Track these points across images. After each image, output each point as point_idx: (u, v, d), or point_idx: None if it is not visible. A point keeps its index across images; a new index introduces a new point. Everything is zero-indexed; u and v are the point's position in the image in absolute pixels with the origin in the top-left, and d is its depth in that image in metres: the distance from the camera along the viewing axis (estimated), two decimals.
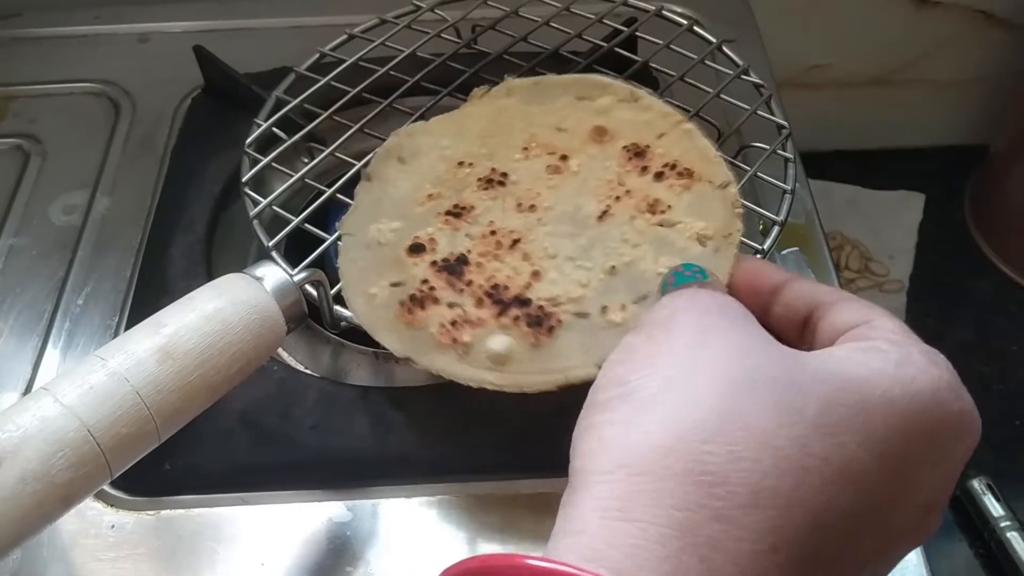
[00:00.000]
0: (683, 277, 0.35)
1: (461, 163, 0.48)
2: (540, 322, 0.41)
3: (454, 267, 0.44)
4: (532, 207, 0.46)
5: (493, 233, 0.45)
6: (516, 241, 0.44)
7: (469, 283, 0.43)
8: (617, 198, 0.45)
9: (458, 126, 0.50)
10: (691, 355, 0.29)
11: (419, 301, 0.42)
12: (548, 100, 0.50)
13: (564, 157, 0.47)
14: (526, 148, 0.48)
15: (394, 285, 0.44)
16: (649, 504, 0.26)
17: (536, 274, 0.43)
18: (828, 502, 0.26)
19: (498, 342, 0.41)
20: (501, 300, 0.42)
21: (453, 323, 0.42)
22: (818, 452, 0.27)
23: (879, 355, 0.29)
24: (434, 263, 0.44)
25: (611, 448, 0.27)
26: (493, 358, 0.41)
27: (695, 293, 0.33)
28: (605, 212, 0.44)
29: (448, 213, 0.46)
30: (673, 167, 0.45)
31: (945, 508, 0.30)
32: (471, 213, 0.46)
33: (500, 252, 0.44)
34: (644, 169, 0.45)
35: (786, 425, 0.27)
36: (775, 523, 0.26)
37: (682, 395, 0.28)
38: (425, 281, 0.43)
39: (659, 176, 0.45)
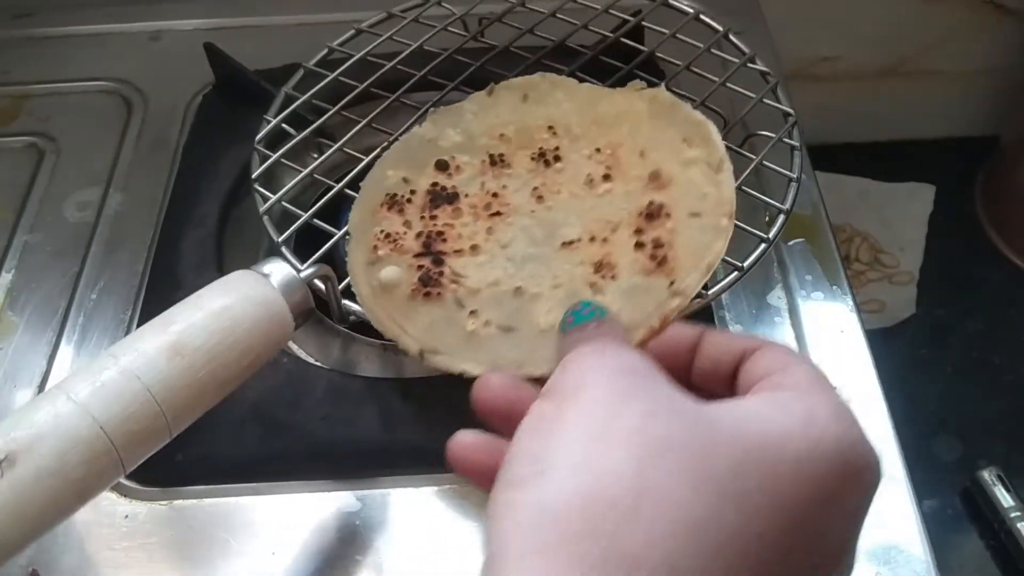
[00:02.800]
0: (581, 316, 0.34)
1: (551, 127, 0.49)
2: (428, 281, 0.43)
3: (440, 196, 0.46)
4: (541, 198, 0.46)
5: (495, 195, 0.46)
6: (497, 214, 0.45)
7: (434, 217, 0.46)
8: (592, 239, 0.44)
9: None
10: (602, 427, 0.28)
11: (398, 204, 0.46)
12: (664, 118, 0.48)
13: (608, 177, 0.46)
14: (599, 150, 0.47)
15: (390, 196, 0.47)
16: None
17: (475, 248, 0.44)
18: (743, 567, 0.26)
19: (386, 272, 0.44)
20: (428, 244, 0.45)
21: (388, 236, 0.45)
22: (732, 521, 0.26)
23: (786, 411, 0.29)
24: (435, 184, 0.47)
25: (525, 532, 0.26)
26: (380, 286, 0.44)
27: (601, 354, 0.31)
28: (573, 244, 0.44)
29: (491, 156, 0.48)
30: (658, 246, 0.42)
31: (854, 556, 0.30)
32: (505, 168, 0.47)
33: (479, 212, 0.46)
34: (638, 231, 0.43)
35: (702, 496, 0.26)
36: None
37: (594, 472, 0.26)
38: (413, 192, 0.47)
39: (639, 246, 0.42)
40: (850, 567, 0.30)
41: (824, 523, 0.28)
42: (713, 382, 0.34)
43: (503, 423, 0.32)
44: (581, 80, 0.52)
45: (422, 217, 0.46)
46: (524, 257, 0.44)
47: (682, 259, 0.41)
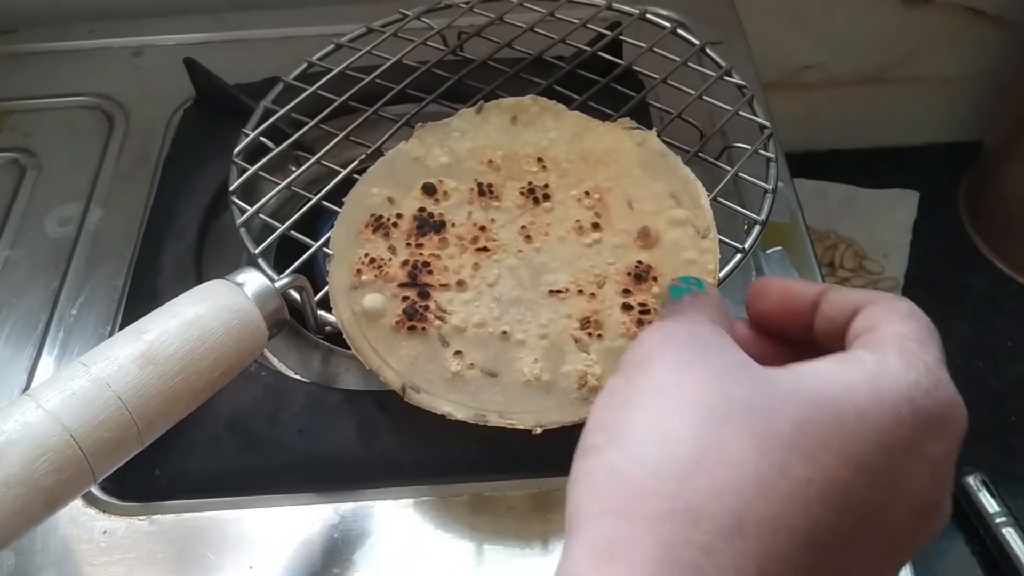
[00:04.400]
0: (679, 290, 0.36)
1: (540, 159, 0.49)
2: (414, 315, 0.44)
3: (427, 223, 0.46)
4: (529, 238, 0.46)
5: (483, 229, 0.46)
6: (484, 249, 0.45)
7: (420, 245, 0.46)
8: (580, 291, 0.44)
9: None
10: (668, 395, 0.30)
11: (383, 227, 0.46)
12: (653, 169, 0.48)
13: (597, 226, 0.46)
14: (588, 194, 0.47)
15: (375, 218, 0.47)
16: (635, 544, 0.26)
17: (461, 284, 0.44)
18: (815, 522, 0.27)
19: (370, 299, 0.44)
20: (414, 275, 0.45)
21: (372, 261, 0.45)
22: (799, 475, 0.27)
23: (856, 367, 0.30)
24: (422, 209, 0.47)
25: (599, 493, 0.28)
26: (365, 313, 0.44)
27: (671, 326, 0.33)
28: (560, 293, 0.44)
29: (480, 187, 0.47)
30: (644, 311, 0.43)
31: (947, 505, 0.31)
32: (494, 200, 0.47)
33: (465, 244, 0.46)
34: (626, 292, 0.43)
35: (765, 451, 0.27)
36: (761, 549, 0.26)
37: (661, 435, 0.28)
38: (400, 216, 0.46)
39: (627, 308, 0.43)
40: (945, 516, 0.31)
41: (904, 472, 0.29)
42: (831, 340, 0.34)
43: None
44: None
45: (408, 244, 0.46)
46: (510, 299, 0.44)
47: None
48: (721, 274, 0.46)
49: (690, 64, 0.58)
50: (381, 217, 0.47)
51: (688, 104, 0.55)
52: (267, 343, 0.42)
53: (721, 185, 0.50)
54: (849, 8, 0.90)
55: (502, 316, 0.44)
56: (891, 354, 0.30)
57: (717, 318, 0.35)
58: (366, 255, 0.45)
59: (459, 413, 0.42)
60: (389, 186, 0.48)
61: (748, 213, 0.50)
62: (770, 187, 0.52)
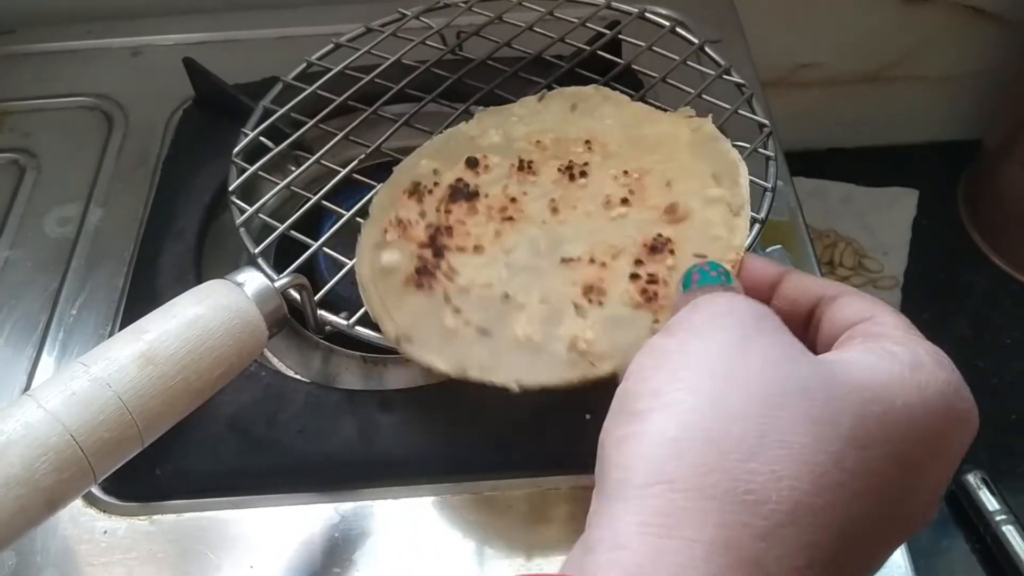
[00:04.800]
0: (708, 276, 0.35)
1: (588, 141, 0.49)
2: (424, 272, 0.44)
3: (460, 191, 0.47)
4: (556, 211, 0.46)
5: (514, 200, 0.46)
6: (510, 219, 0.45)
7: (448, 211, 0.46)
8: (592, 260, 0.43)
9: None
10: (727, 367, 0.29)
11: (419, 192, 0.47)
12: (700, 150, 0.48)
13: (626, 201, 0.45)
14: (626, 173, 0.47)
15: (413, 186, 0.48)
16: (693, 522, 0.26)
17: (478, 248, 0.44)
18: (854, 514, 0.27)
19: (387, 255, 0.45)
20: (434, 237, 0.45)
21: (400, 222, 0.46)
22: (850, 466, 0.27)
23: (892, 359, 0.30)
24: (460, 179, 0.47)
25: (650, 462, 0.27)
26: (381, 269, 0.45)
27: (732, 299, 0.32)
28: (572, 261, 0.43)
29: (521, 162, 0.48)
30: (652, 281, 0.41)
31: (939, 497, 0.31)
32: (531, 175, 0.47)
33: (493, 213, 0.46)
34: (638, 263, 0.42)
35: (823, 439, 0.27)
36: (811, 539, 0.26)
37: (722, 409, 0.28)
38: (437, 184, 0.47)
39: (635, 278, 0.42)
40: (932, 515, 0.31)
41: (928, 467, 0.29)
42: (788, 322, 0.34)
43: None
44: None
45: (437, 209, 0.46)
46: (522, 267, 0.44)
47: (672, 299, 0.40)
48: None
49: (689, 63, 0.58)
50: (419, 184, 0.48)
51: (688, 103, 0.55)
52: (267, 343, 0.42)
53: None
54: (848, 7, 0.90)
55: (509, 280, 0.43)
56: (919, 349, 0.30)
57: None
58: (395, 216, 0.46)
59: (443, 365, 0.41)
60: (439, 159, 0.49)
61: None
62: (769, 185, 0.51)
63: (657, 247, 0.42)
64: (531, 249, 0.44)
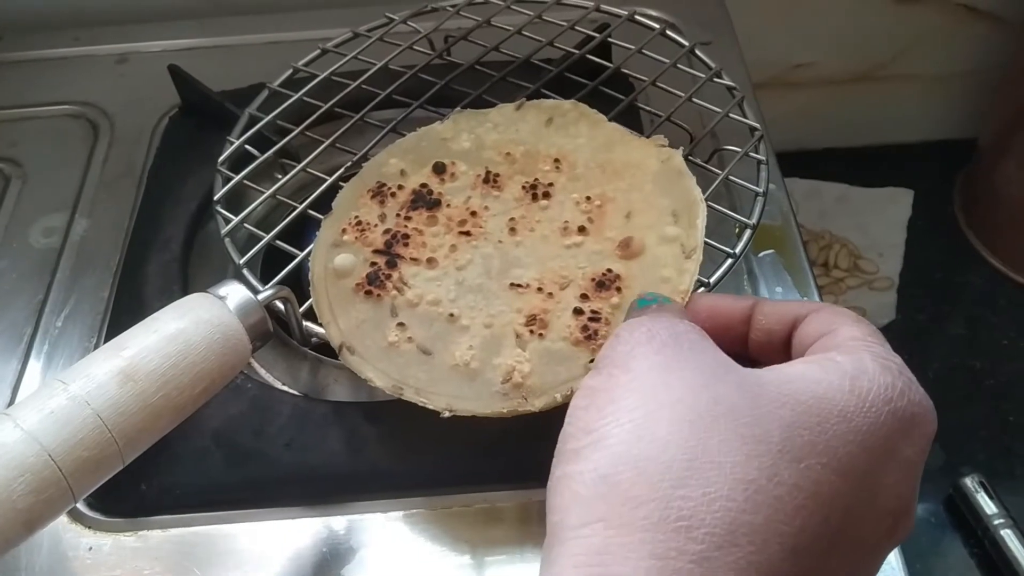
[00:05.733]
0: (644, 301, 0.36)
1: (557, 160, 0.48)
2: (375, 280, 0.44)
3: (422, 198, 0.47)
4: (514, 231, 0.46)
5: (474, 214, 0.46)
6: (467, 234, 0.45)
7: (408, 218, 0.46)
8: (540, 289, 0.43)
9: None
10: (653, 394, 0.29)
11: (382, 195, 0.47)
12: (664, 185, 0.47)
13: (583, 230, 0.45)
14: (589, 199, 0.46)
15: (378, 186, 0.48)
16: (628, 557, 0.26)
17: (431, 261, 0.45)
18: (801, 528, 0.27)
19: (341, 258, 0.45)
20: (390, 244, 0.45)
21: (358, 224, 0.46)
22: (787, 479, 0.27)
23: (833, 368, 0.30)
24: (424, 185, 0.47)
25: (584, 501, 0.27)
26: (334, 270, 0.45)
27: (652, 324, 0.32)
28: (522, 288, 0.43)
29: (487, 175, 0.48)
30: (594, 319, 0.41)
31: (914, 510, 0.30)
32: (496, 190, 0.47)
33: (452, 225, 0.46)
34: (584, 297, 0.42)
35: (754, 456, 0.27)
36: (753, 558, 0.26)
37: (648, 438, 0.27)
38: (401, 187, 0.47)
39: (578, 313, 0.41)
40: (912, 522, 0.30)
41: (881, 475, 0.29)
42: (769, 352, 0.34)
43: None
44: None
45: (398, 214, 0.47)
46: (472, 286, 0.44)
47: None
48: (712, 279, 0.46)
49: (680, 66, 0.57)
50: (384, 185, 0.48)
51: (678, 106, 0.54)
52: (251, 357, 0.41)
53: (712, 188, 0.50)
54: (842, 6, 0.90)
55: (457, 299, 0.43)
56: (864, 356, 0.30)
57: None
58: (355, 217, 0.46)
59: (379, 381, 0.42)
60: (408, 159, 0.49)
61: (739, 217, 0.49)
62: (761, 190, 0.51)
63: (605, 283, 0.43)
64: (483, 268, 0.44)
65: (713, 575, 0.25)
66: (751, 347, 0.35)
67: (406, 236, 0.45)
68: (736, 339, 0.35)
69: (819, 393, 0.29)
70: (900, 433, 0.29)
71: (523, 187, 0.47)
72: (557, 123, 0.50)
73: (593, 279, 0.43)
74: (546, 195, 0.47)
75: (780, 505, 0.26)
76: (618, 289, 0.42)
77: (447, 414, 0.41)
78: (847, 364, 0.30)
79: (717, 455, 0.27)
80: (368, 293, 0.44)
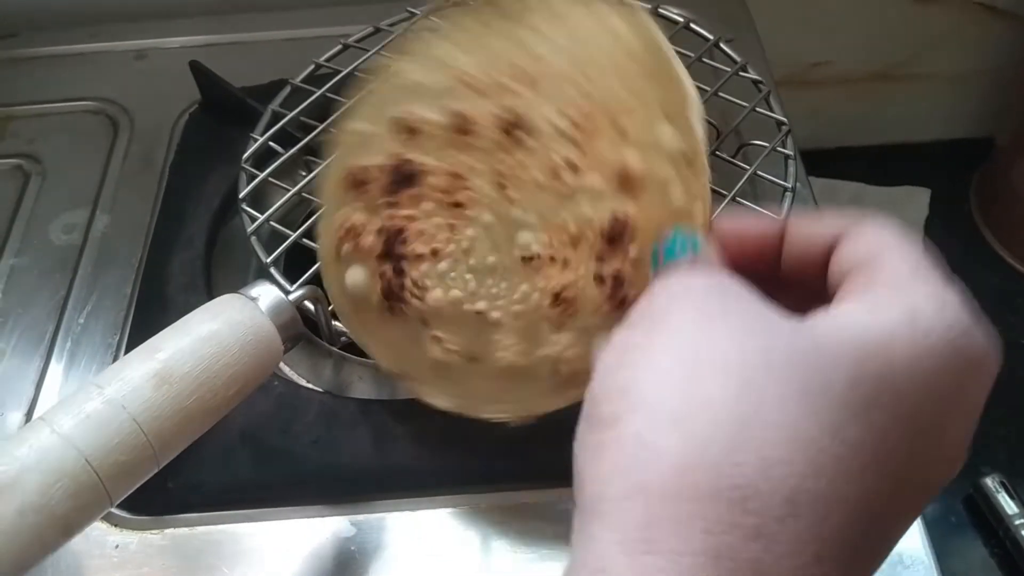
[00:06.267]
0: (672, 253, 0.32)
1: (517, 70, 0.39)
2: (391, 295, 0.40)
3: (401, 175, 0.40)
4: (504, 186, 0.39)
5: (458, 177, 0.39)
6: (459, 204, 0.39)
7: (394, 204, 0.40)
8: (552, 258, 0.38)
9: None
10: (696, 350, 0.26)
11: (357, 183, 0.41)
12: (652, 77, 0.38)
13: (574, 167, 0.37)
14: (570, 116, 0.38)
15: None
16: (676, 531, 0.23)
17: (435, 253, 0.40)
18: (867, 490, 0.24)
19: (351, 276, 0.41)
20: (389, 246, 0.40)
21: (349, 230, 0.40)
22: (852, 437, 0.24)
23: (887, 310, 0.27)
24: (396, 158, 0.40)
25: (626, 470, 0.24)
26: (350, 294, 0.41)
27: (689, 277, 0.29)
28: (532, 261, 0.38)
29: (457, 123, 0.39)
30: (618, 284, 0.37)
31: (968, 447, 0.28)
32: (470, 137, 0.39)
33: (442, 202, 0.39)
34: (599, 259, 0.37)
35: (815, 412, 0.24)
36: (816, 531, 0.23)
37: (695, 398, 0.25)
38: (375, 168, 0.40)
39: (599, 280, 0.37)
40: (959, 466, 0.28)
41: (945, 420, 0.26)
42: (804, 277, 0.31)
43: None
44: None
45: (381, 203, 0.40)
46: (486, 268, 0.39)
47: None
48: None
49: (704, 60, 0.57)
50: (354, 173, 0.41)
51: (704, 100, 0.54)
52: (282, 358, 0.41)
53: (740, 184, 0.49)
54: (860, 5, 0.89)
55: (477, 290, 0.40)
56: (919, 292, 0.27)
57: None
58: (343, 226, 0.41)
59: (446, 403, 0.40)
60: (370, 118, 0.42)
61: (767, 213, 0.49)
62: (789, 185, 0.51)
63: (615, 237, 0.37)
64: (489, 242, 0.39)
65: (771, 551, 0.23)
66: (785, 272, 0.32)
67: (400, 231, 0.40)
68: (768, 264, 0.32)
69: (881, 339, 0.26)
70: (962, 376, 0.26)
71: (497, 126, 0.39)
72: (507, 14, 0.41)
73: (602, 234, 0.37)
74: (522, 128, 0.38)
75: (843, 466, 0.24)
76: (631, 239, 0.37)
77: (518, 422, 0.39)
78: (901, 305, 0.27)
79: (773, 413, 0.24)
80: (392, 310, 0.41)
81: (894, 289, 0.27)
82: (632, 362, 0.26)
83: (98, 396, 0.35)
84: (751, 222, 0.33)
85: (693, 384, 0.25)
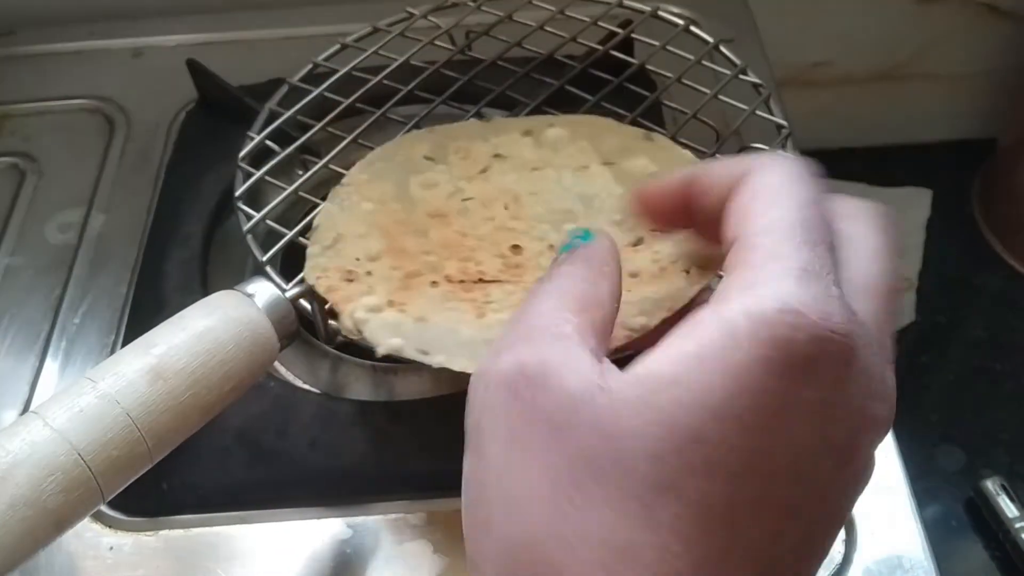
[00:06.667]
0: (566, 246, 0.31)
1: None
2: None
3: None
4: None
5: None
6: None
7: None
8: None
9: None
10: (511, 486, 0.25)
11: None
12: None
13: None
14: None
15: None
16: None
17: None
18: (703, 553, 0.24)
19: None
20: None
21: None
22: (666, 516, 0.23)
23: (701, 355, 0.24)
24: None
25: None
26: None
27: (483, 391, 0.27)
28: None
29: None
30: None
31: (861, 442, 0.26)
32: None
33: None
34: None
35: (625, 513, 0.24)
36: None
37: (520, 538, 0.25)
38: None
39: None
40: (865, 474, 0.26)
41: (776, 439, 0.24)
42: (718, 236, 0.29)
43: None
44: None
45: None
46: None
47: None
48: None
49: (703, 62, 0.56)
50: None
51: (704, 104, 0.54)
52: (278, 355, 0.40)
53: None
54: (862, 4, 0.89)
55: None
56: (736, 306, 0.24)
57: (605, 271, 0.29)
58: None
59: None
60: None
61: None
62: None
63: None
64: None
65: None
66: (700, 231, 0.32)
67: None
68: (683, 221, 0.32)
69: (683, 399, 0.24)
70: (792, 384, 0.24)
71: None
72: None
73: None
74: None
75: (668, 548, 0.23)
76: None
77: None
78: (716, 332, 0.24)
79: (589, 527, 0.24)
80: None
81: (721, 302, 0.25)
82: (474, 503, 0.27)
83: (92, 390, 0.34)
84: (659, 188, 0.32)
85: (518, 526, 0.25)
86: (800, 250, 0.25)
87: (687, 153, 0.48)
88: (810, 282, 0.24)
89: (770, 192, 0.27)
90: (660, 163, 0.47)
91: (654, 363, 0.25)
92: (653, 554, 0.23)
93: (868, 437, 0.26)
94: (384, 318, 0.38)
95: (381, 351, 0.38)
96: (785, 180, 0.27)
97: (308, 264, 0.42)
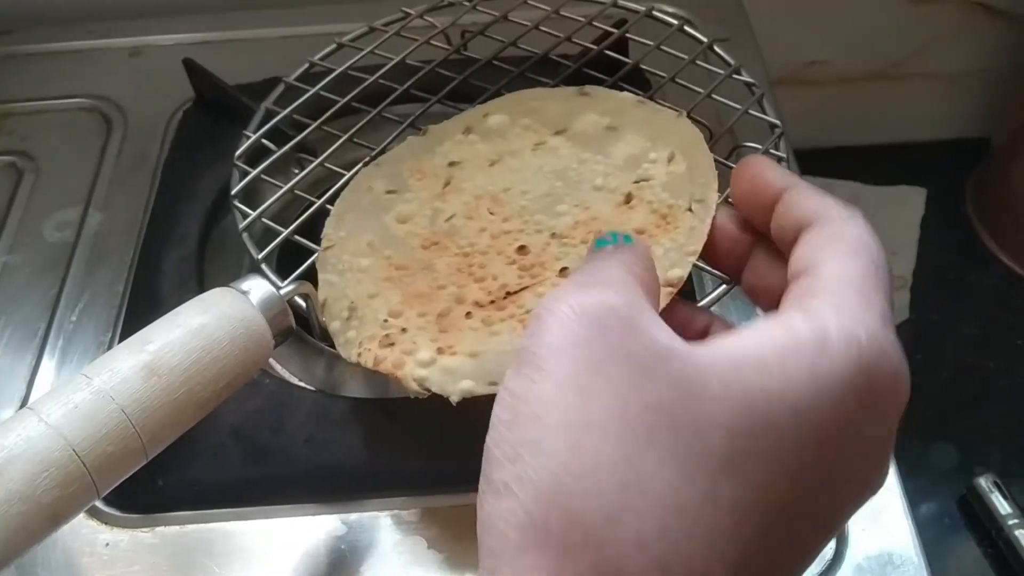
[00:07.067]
0: (603, 242, 0.31)
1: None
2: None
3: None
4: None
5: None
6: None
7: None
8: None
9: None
10: (578, 406, 0.25)
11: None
12: None
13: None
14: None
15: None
16: None
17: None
18: (746, 543, 0.24)
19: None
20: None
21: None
22: (727, 495, 0.24)
23: (791, 344, 0.26)
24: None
25: (514, 548, 0.24)
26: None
27: (579, 302, 0.27)
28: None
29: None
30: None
31: (885, 472, 0.28)
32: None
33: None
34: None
35: (692, 475, 0.24)
36: None
37: (577, 468, 0.24)
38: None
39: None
40: (882, 482, 0.28)
41: (837, 464, 0.26)
42: (784, 248, 0.31)
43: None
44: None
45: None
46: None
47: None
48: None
49: (698, 62, 0.57)
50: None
51: (697, 103, 0.54)
52: (272, 353, 0.41)
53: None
54: (855, 4, 0.89)
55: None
56: (831, 320, 0.26)
57: (643, 278, 0.29)
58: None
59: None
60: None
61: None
62: None
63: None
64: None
65: None
66: (773, 235, 0.32)
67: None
68: (766, 220, 0.33)
69: (768, 386, 0.25)
70: (863, 415, 0.26)
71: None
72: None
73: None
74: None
75: (719, 529, 0.24)
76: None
77: None
78: (808, 340, 0.26)
79: (651, 481, 0.24)
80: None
81: (808, 313, 0.27)
82: (519, 421, 0.26)
83: (87, 386, 0.35)
84: (767, 173, 0.33)
85: (575, 451, 0.24)
86: (884, 300, 0.28)
87: (628, 95, 0.49)
88: (889, 329, 0.27)
89: (852, 240, 0.29)
90: (607, 113, 0.48)
91: (740, 343, 0.26)
92: (705, 529, 0.24)
93: (876, 479, 0.28)
94: (442, 367, 0.38)
95: (455, 399, 0.38)
96: (864, 234, 0.30)
97: (339, 343, 0.42)
